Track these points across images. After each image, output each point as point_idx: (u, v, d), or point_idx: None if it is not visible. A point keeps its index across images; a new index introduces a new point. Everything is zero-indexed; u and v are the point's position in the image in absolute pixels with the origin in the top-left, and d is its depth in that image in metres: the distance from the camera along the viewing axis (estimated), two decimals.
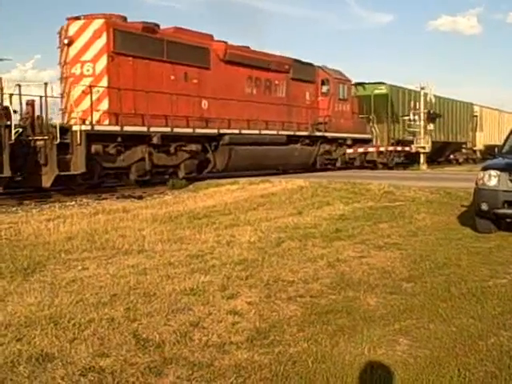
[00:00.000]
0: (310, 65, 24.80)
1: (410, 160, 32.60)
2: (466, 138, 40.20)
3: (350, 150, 26.83)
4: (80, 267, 6.60)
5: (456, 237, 8.64)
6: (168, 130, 17.36)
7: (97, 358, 3.91)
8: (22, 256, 7.10)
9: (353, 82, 28.37)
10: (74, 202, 13.81)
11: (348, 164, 26.73)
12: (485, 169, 9.14)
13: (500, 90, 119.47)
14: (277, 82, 22.75)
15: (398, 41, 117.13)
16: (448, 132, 37.32)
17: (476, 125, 41.71)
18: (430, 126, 30.52)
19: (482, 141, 42.15)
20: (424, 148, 29.83)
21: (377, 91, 29.10)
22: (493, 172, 8.82)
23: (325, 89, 25.45)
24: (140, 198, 15.15)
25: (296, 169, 24.41)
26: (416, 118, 29.77)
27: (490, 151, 36.60)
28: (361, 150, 27.16)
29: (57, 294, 5.40)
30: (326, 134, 24.94)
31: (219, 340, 4.29)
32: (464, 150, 40.64)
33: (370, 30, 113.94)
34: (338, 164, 26.14)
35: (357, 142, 27.02)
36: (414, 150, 30.00)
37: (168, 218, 10.37)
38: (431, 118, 30.29)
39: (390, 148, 31.06)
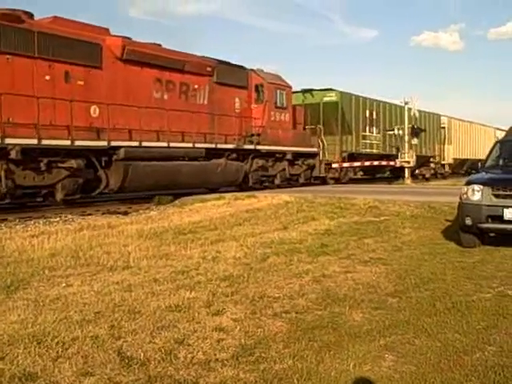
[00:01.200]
0: (241, 67, 21.70)
1: (395, 175, 32.40)
2: (432, 152, 37.08)
3: (335, 165, 26.83)
4: (64, 284, 6.55)
5: (441, 251, 8.69)
6: (33, 141, 13.80)
7: (81, 377, 3.87)
8: (5, 273, 7.03)
9: (299, 89, 26.69)
10: (58, 218, 13.70)
11: (290, 181, 24.19)
12: (468, 183, 9.22)
13: (484, 104, 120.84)
14: (196, 87, 19.47)
15: (383, 56, 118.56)
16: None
17: (444, 137, 38.89)
18: (414, 141, 30.72)
19: (451, 154, 39.48)
20: (409, 162, 30.01)
21: (326, 99, 26.68)
22: (476, 187, 8.90)
23: (259, 95, 22.26)
24: (125, 213, 15.08)
25: (223, 187, 21.04)
26: (400, 132, 30.02)
27: (471, 166, 36.91)
28: (346, 165, 27.21)
29: (40, 311, 5.34)
30: (259, 148, 21.66)
31: (204, 357, 4.27)
32: (432, 165, 37.54)
33: (355, 45, 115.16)
34: (277, 181, 23.22)
35: (300, 156, 24.27)
36: (398, 164, 30.16)
37: (153, 234, 10.33)
38: (415, 132, 30.51)
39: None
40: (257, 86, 22.18)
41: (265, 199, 16.34)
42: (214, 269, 7.33)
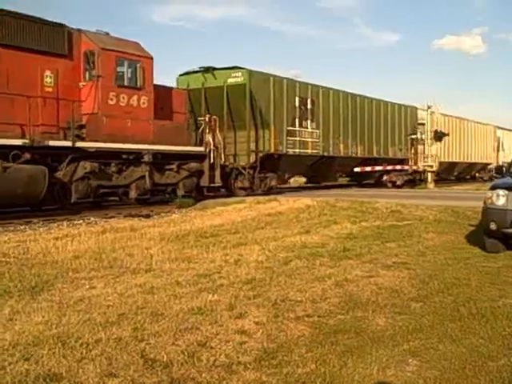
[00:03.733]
0: (56, 25, 14.81)
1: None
2: (403, 153, 30.58)
3: (357, 169, 26.64)
4: (88, 286, 6.60)
5: (464, 256, 8.60)
6: None
7: (104, 379, 3.89)
8: (30, 275, 7.10)
9: (198, 67, 21.11)
10: (81, 221, 13.82)
11: (171, 194, 18.02)
12: (493, 188, 9.12)
13: (505, 108, 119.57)
14: None
15: (405, 60, 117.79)
16: (373, 145, 27.92)
17: (416, 136, 32.08)
18: (436, 145, 30.47)
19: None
20: (431, 167, 29.77)
21: (231, 80, 20.24)
22: (501, 191, 8.80)
23: (89, 68, 15.50)
24: (147, 216, 15.15)
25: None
26: (423, 136, 29.76)
27: (496, 171, 35.08)
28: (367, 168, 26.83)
29: (64, 313, 5.39)
30: (83, 145, 14.85)
31: (227, 360, 4.27)
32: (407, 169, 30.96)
33: (377, 49, 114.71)
34: (132, 194, 16.42)
35: (177, 158, 17.51)
36: (421, 168, 29.93)
37: (175, 237, 10.37)
38: (438, 136, 30.25)
39: (398, 167, 29.13)
40: (87, 55, 15.41)
41: (286, 203, 16.33)
42: (236, 272, 7.34)
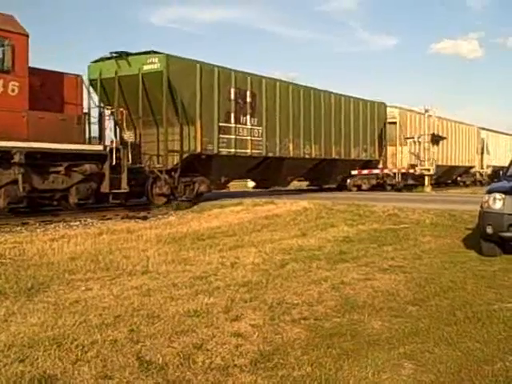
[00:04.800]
0: None
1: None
2: (369, 154, 27.87)
3: (354, 172, 26.58)
4: (84, 288, 6.59)
5: (461, 260, 8.61)
6: None
7: (100, 381, 3.88)
8: (25, 276, 7.09)
9: (108, 54, 17.80)
10: (78, 222, 13.80)
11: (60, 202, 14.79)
12: (490, 192, 9.13)
13: (505, 113, 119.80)
14: None
15: (403, 63, 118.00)
16: (332, 145, 25.15)
17: (395, 136, 29.95)
18: (434, 149, 30.45)
19: (406, 158, 30.36)
20: (429, 170, 29.80)
21: (147, 68, 17.25)
22: (498, 195, 8.81)
23: None
24: (144, 218, 15.14)
25: None
26: (421, 140, 29.73)
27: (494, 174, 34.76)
28: (365, 171, 26.75)
29: (60, 314, 5.38)
30: None
31: (223, 363, 4.26)
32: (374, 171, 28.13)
33: (375, 52, 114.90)
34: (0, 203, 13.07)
35: (67, 159, 14.26)
36: (418, 172, 29.92)
37: (172, 239, 10.36)
38: (435, 140, 30.24)
39: (394, 170, 27.78)
40: None
41: (284, 205, 16.32)
42: (232, 275, 7.34)
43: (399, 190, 27.89)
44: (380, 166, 28.60)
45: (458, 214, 13.66)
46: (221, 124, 18.98)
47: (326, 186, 27.29)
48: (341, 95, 25.90)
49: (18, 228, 12.50)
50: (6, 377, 3.88)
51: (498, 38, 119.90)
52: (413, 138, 29.78)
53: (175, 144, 17.80)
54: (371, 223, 12.90)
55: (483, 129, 41.59)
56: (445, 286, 6.75)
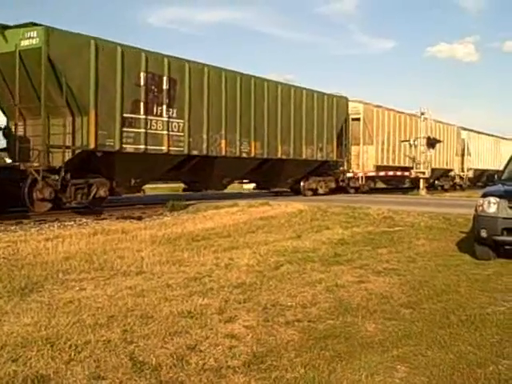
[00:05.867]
0: None
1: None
2: (326, 155, 24.43)
3: (349, 175, 26.47)
4: (78, 288, 6.58)
5: (455, 263, 8.63)
6: None
7: (93, 381, 3.88)
8: (19, 275, 7.08)
9: None
10: (72, 222, 13.78)
11: None
12: (484, 195, 9.15)
13: (500, 116, 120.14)
14: None
15: (399, 66, 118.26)
16: (278, 142, 21.66)
17: (347, 134, 25.97)
18: (430, 152, 30.48)
19: (371, 160, 27.43)
20: (424, 173, 29.85)
21: (25, 43, 13.91)
22: (492, 199, 8.83)
23: None
24: (139, 218, 15.12)
25: None
26: (416, 143, 29.74)
27: (488, 178, 33.95)
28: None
29: (54, 314, 5.37)
30: None
31: (216, 364, 4.26)
32: (338, 172, 25.77)
33: (373, 55, 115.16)
34: None
35: None
36: (413, 175, 29.97)
37: (167, 240, 10.35)
38: (431, 143, 30.29)
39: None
40: None
41: (278, 207, 16.34)
42: (226, 276, 7.33)
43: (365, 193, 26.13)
44: (343, 167, 25.94)
45: (452, 217, 13.69)
46: (126, 115, 15.53)
47: (276, 190, 24.30)
48: (290, 86, 22.66)
49: (13, 227, 12.47)
50: None
51: (493, 42, 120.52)
52: (408, 140, 29.75)
53: (67, 138, 14.43)
54: (366, 226, 12.93)
55: (464, 129, 39.15)
56: (438, 289, 6.77)
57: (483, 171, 41.64)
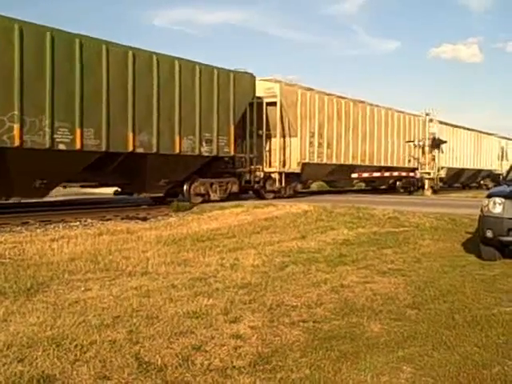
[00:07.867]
0: None
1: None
2: (217, 148, 18.12)
3: (354, 175, 26.43)
4: (83, 288, 6.59)
5: (460, 264, 8.61)
6: None
7: (98, 381, 3.89)
8: (25, 276, 7.09)
9: None
10: (78, 223, 13.80)
11: None
12: (490, 196, 9.13)
13: (505, 116, 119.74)
14: None
15: (404, 67, 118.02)
16: (128, 129, 15.05)
17: (260, 123, 20.64)
18: (434, 153, 30.36)
19: (294, 156, 21.74)
20: (429, 174, 29.76)
21: None
22: (498, 199, 8.81)
23: None
24: (144, 219, 15.14)
25: None
26: (421, 143, 29.62)
27: (494, 179, 33.41)
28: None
29: (59, 314, 5.38)
30: None
31: (221, 364, 4.26)
32: (244, 171, 20.28)
33: (377, 56, 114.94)
34: None
35: None
36: (418, 175, 29.84)
37: (172, 240, 10.36)
38: (436, 144, 30.17)
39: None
40: None
41: (283, 208, 16.32)
42: (231, 276, 7.34)
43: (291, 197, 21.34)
44: (253, 166, 20.48)
45: (458, 217, 13.65)
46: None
47: (143, 195, 17.73)
48: (152, 53, 15.91)
49: (18, 228, 12.50)
50: (4, 376, 3.88)
51: (497, 43, 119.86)
52: (413, 141, 29.61)
53: None
54: (371, 226, 12.90)
55: (441, 122, 32.46)
56: (444, 290, 6.76)
57: (460, 170, 36.51)
